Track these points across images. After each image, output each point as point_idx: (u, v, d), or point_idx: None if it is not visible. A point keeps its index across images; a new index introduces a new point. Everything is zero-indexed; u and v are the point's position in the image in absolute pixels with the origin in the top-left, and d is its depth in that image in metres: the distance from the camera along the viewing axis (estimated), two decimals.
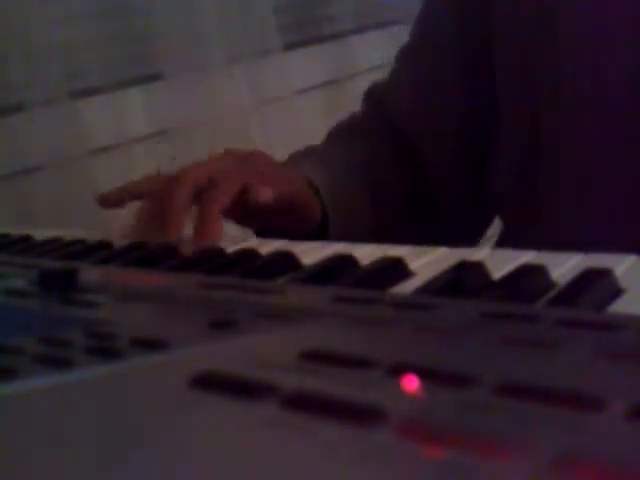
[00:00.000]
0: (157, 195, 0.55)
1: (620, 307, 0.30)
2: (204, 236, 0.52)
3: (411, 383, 0.21)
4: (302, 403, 0.20)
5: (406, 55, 0.74)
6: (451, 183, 0.72)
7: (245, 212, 0.58)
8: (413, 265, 0.39)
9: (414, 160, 0.72)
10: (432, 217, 0.73)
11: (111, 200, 0.58)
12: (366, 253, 0.42)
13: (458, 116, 0.70)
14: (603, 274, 0.32)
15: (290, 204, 0.59)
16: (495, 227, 0.75)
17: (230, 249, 0.49)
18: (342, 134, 0.75)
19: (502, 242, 0.71)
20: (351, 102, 0.80)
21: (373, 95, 0.77)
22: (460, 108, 0.70)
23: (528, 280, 0.34)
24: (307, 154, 0.70)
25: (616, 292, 0.31)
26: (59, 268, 0.41)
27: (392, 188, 0.71)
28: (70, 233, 0.62)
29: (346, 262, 0.41)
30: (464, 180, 0.72)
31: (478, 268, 0.35)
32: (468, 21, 0.67)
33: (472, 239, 0.75)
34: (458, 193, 0.73)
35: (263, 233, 0.64)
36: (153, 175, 0.59)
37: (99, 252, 0.54)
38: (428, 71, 0.71)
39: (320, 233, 0.64)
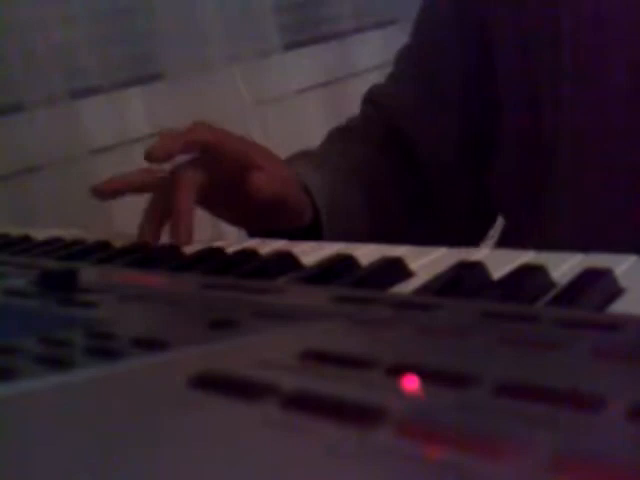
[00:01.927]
0: (161, 196, 0.55)
1: (620, 307, 0.30)
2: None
3: (411, 383, 0.21)
4: (302, 403, 0.20)
5: (406, 57, 0.74)
6: (451, 185, 0.72)
7: (238, 204, 0.58)
8: (413, 265, 0.39)
9: (414, 164, 0.71)
10: (431, 221, 0.73)
11: (106, 192, 0.58)
12: (366, 253, 0.42)
13: (460, 117, 0.70)
14: (603, 274, 0.32)
15: (281, 202, 0.60)
16: (495, 227, 0.75)
17: (230, 249, 0.49)
18: (341, 136, 0.74)
19: (502, 242, 0.71)
20: (351, 102, 0.80)
21: (372, 98, 0.76)
22: (462, 110, 0.70)
23: (528, 280, 0.34)
24: (303, 156, 0.70)
25: (616, 292, 0.31)
26: (59, 268, 0.41)
27: (390, 192, 0.71)
28: (70, 233, 0.62)
29: (346, 262, 0.41)
30: (465, 182, 0.72)
31: (478, 268, 0.35)
32: (467, 22, 0.67)
33: (472, 242, 0.75)
34: (458, 195, 0.72)
35: (254, 232, 0.65)
36: (148, 168, 0.59)
37: (99, 252, 0.54)
38: (429, 73, 0.71)
39: (309, 235, 0.64)
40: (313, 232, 0.64)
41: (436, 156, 0.71)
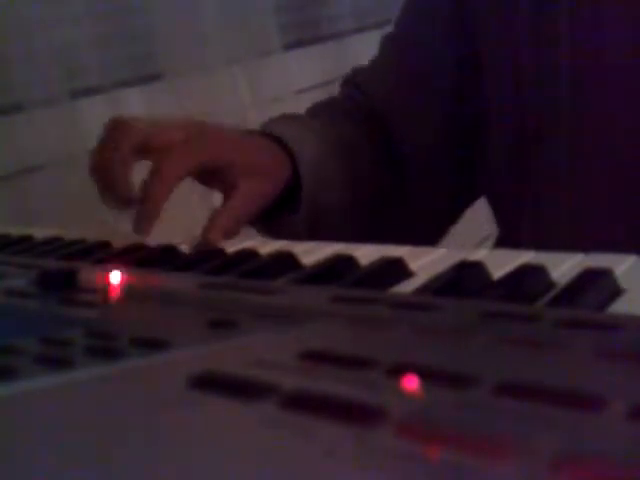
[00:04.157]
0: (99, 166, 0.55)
1: (620, 307, 0.30)
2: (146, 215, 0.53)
3: (411, 383, 0.21)
4: (302, 403, 0.20)
5: (393, 44, 0.74)
6: (427, 175, 0.71)
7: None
8: (413, 265, 0.39)
9: (391, 153, 0.71)
10: (402, 210, 0.72)
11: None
12: (366, 253, 0.42)
13: (444, 111, 0.69)
14: (603, 274, 0.32)
15: (250, 170, 0.59)
16: (495, 227, 0.75)
17: (230, 249, 0.49)
18: (323, 111, 0.74)
19: (501, 242, 0.71)
20: None
21: (355, 80, 0.76)
22: (445, 100, 0.69)
23: (528, 280, 0.34)
24: (288, 120, 0.70)
25: (616, 292, 0.31)
26: (59, 268, 0.41)
27: (366, 171, 0.70)
28: (70, 233, 0.62)
29: (346, 262, 0.41)
30: (441, 173, 0.71)
31: (478, 268, 0.35)
32: (460, 16, 0.67)
33: (439, 232, 0.74)
34: (433, 185, 0.72)
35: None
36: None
37: (99, 252, 0.54)
38: (417, 63, 0.71)
39: (287, 201, 0.63)
40: (292, 199, 0.63)
41: (416, 146, 0.70)
